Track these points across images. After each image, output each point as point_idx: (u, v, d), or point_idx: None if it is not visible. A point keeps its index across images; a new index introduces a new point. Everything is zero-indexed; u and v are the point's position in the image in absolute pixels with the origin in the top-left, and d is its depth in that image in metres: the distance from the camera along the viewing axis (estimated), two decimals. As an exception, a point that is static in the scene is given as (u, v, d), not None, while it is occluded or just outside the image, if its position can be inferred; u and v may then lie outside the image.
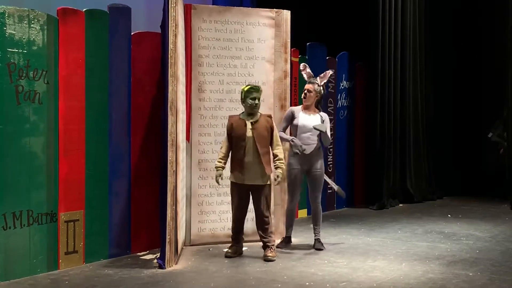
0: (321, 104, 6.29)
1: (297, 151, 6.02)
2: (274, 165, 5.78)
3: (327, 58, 8.88)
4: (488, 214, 8.75)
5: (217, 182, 5.77)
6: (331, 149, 8.97)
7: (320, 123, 6.08)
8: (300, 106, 6.27)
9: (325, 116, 6.20)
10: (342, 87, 9.24)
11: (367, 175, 9.54)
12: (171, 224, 5.44)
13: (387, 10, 9.31)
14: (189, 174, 6.43)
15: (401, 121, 9.63)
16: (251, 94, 5.70)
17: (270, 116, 5.88)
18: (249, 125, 5.71)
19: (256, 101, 5.71)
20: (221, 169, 5.79)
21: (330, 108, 8.92)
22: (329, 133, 6.19)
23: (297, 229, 6.80)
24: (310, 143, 6.10)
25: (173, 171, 5.48)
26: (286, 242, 6.36)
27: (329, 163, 8.89)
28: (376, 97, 9.30)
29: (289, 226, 6.37)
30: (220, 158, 5.82)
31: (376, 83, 9.29)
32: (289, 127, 6.20)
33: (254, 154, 5.68)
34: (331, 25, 9.71)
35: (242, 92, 5.78)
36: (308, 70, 6.34)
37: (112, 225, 5.86)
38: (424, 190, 10.07)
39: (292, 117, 6.17)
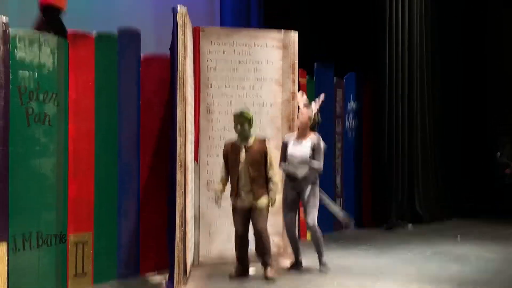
0: (315, 130, 6.26)
1: (293, 175, 6.07)
2: (268, 189, 5.80)
3: (335, 78, 8.90)
4: (498, 235, 8.68)
5: (216, 203, 5.83)
6: (339, 170, 8.96)
7: (307, 149, 6.07)
8: (294, 133, 6.27)
9: (315, 140, 6.12)
10: (350, 108, 9.25)
11: (376, 196, 9.50)
12: (179, 245, 5.43)
13: (393, 30, 9.35)
14: (198, 194, 6.44)
15: (409, 142, 9.61)
16: (234, 120, 5.79)
17: (265, 140, 5.91)
18: (242, 150, 5.76)
19: (239, 127, 5.77)
20: (219, 191, 5.84)
21: (338, 128, 8.92)
22: (317, 163, 6.07)
23: (305, 250, 6.76)
24: (300, 168, 6.09)
25: (182, 191, 5.49)
26: (296, 266, 6.31)
27: (337, 183, 8.88)
28: (383, 118, 9.31)
29: (295, 250, 6.32)
30: (219, 181, 5.91)
31: (383, 104, 9.31)
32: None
33: (247, 178, 5.73)
34: (338, 46, 9.77)
35: None
36: (305, 97, 6.36)
37: (121, 246, 5.87)
38: (433, 210, 10.01)
39: (286, 145, 6.18)
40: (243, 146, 5.79)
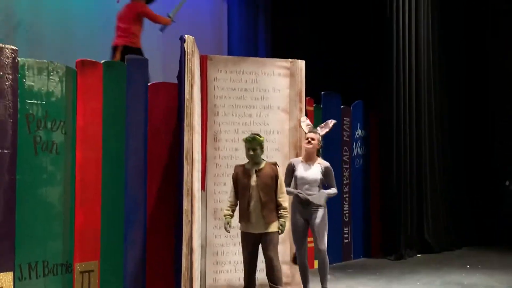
0: (319, 155, 6.25)
1: (306, 205, 6.02)
2: (278, 214, 5.71)
3: (342, 107, 8.91)
4: (508, 264, 8.58)
5: (226, 229, 5.71)
6: (347, 198, 8.91)
7: (317, 173, 6.07)
8: (300, 158, 6.22)
9: (325, 164, 6.14)
10: (357, 136, 9.24)
11: (384, 225, 9.43)
12: (186, 275, 5.39)
13: (401, 58, 9.36)
14: (204, 223, 6.40)
15: (417, 170, 9.56)
16: (247, 144, 5.67)
17: (275, 164, 5.82)
18: (253, 174, 5.68)
19: (251, 152, 5.67)
20: (229, 217, 5.72)
21: (346, 156, 8.90)
22: (332, 191, 6.11)
23: (313, 279, 6.69)
24: (309, 194, 6.06)
25: (188, 220, 5.46)
26: None
27: (345, 212, 8.82)
28: (391, 146, 9.27)
29: (304, 281, 6.23)
30: (228, 207, 5.77)
31: (391, 132, 9.28)
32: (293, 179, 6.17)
33: (258, 202, 5.64)
34: (345, 74, 9.79)
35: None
36: (308, 121, 6.36)
37: (127, 275, 5.82)
38: (442, 240, 9.92)
39: (292, 169, 6.13)
40: (254, 170, 5.70)
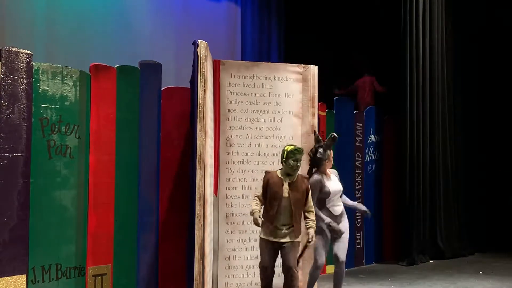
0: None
1: (336, 235, 5.95)
2: (306, 225, 5.59)
3: (355, 112, 8.90)
4: (521, 270, 8.54)
5: (258, 223, 5.44)
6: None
7: (338, 182, 6.06)
8: (318, 173, 6.03)
9: (335, 172, 6.16)
10: (370, 141, 9.22)
11: (396, 230, 9.40)
12: (198, 279, 5.40)
13: (414, 62, 9.33)
14: (216, 228, 6.41)
15: (430, 175, 9.51)
16: (294, 156, 5.49)
17: (307, 178, 5.75)
18: (286, 185, 5.54)
19: (298, 163, 5.53)
20: (258, 211, 5.50)
21: (358, 162, 8.88)
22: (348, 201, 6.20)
23: (324, 285, 6.70)
24: (338, 204, 6.02)
25: (201, 225, 5.47)
26: None
27: (357, 217, 8.80)
28: (404, 151, 9.24)
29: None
30: (257, 203, 5.51)
31: (404, 137, 9.25)
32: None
33: (287, 214, 5.50)
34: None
35: (284, 152, 5.56)
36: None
37: (139, 279, 5.84)
38: (454, 246, 9.87)
39: (322, 185, 5.96)
40: (287, 181, 5.56)
